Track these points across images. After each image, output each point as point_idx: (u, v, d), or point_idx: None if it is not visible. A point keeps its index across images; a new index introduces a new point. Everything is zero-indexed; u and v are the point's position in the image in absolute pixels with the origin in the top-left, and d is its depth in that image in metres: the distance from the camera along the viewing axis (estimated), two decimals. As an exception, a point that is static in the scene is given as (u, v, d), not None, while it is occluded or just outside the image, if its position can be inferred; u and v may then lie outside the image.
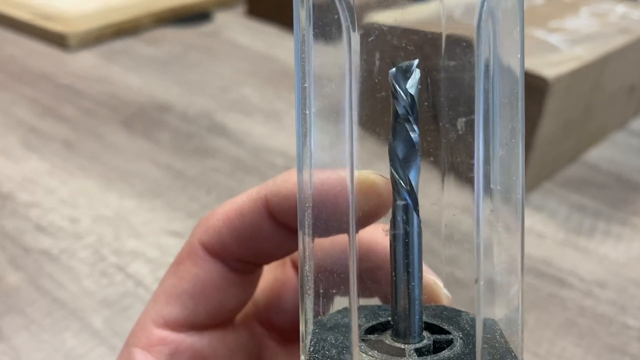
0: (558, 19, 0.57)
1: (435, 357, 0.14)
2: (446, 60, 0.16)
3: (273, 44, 0.76)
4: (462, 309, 0.17)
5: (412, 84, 0.14)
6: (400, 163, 0.14)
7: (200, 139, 0.55)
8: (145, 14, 0.80)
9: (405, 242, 0.14)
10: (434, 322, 0.16)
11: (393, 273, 0.15)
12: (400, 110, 0.14)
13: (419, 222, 0.15)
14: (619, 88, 0.57)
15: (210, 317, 0.18)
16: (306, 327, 0.15)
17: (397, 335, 0.15)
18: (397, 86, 0.14)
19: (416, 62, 0.14)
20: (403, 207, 0.14)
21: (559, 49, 0.50)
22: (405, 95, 0.14)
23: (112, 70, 0.68)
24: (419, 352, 0.15)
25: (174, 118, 0.58)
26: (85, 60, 0.70)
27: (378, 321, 0.16)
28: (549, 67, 0.45)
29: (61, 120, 0.57)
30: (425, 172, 0.15)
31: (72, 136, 0.54)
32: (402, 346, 0.15)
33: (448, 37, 0.16)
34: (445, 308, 0.17)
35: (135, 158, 0.52)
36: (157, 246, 0.42)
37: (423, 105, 0.16)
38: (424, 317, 0.16)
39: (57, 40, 0.73)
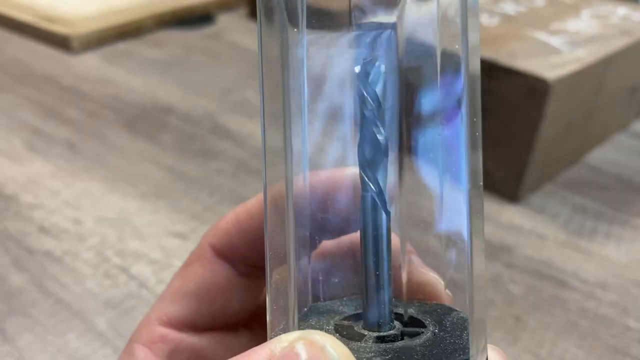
0: (559, 21, 0.57)
1: (388, 345, 0.14)
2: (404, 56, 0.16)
3: (275, 45, 0.76)
4: (459, 309, 0.17)
5: (378, 87, 0.15)
6: (368, 164, 0.15)
7: (203, 141, 0.55)
8: (147, 16, 0.80)
9: (374, 237, 0.15)
10: (420, 317, 0.16)
11: (363, 267, 0.15)
12: (368, 114, 0.15)
13: (388, 219, 0.15)
14: (621, 90, 0.57)
15: (213, 319, 0.19)
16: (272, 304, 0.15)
17: (367, 324, 0.15)
18: (362, 89, 0.15)
19: (381, 65, 0.15)
20: (372, 205, 0.15)
21: (560, 51, 0.50)
22: (372, 99, 0.15)
23: (115, 72, 0.68)
24: (381, 339, 0.15)
25: (176, 120, 0.59)
26: (89, 62, 0.70)
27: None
28: (550, 69, 0.46)
29: (64, 122, 0.57)
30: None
31: (75, 138, 0.54)
32: (365, 332, 0.15)
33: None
34: (440, 306, 0.17)
35: (138, 160, 0.52)
36: (160, 248, 0.42)
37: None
38: (414, 312, 0.16)
39: (61, 42, 0.73)
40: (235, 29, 0.82)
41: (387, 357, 0.14)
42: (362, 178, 0.15)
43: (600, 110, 0.55)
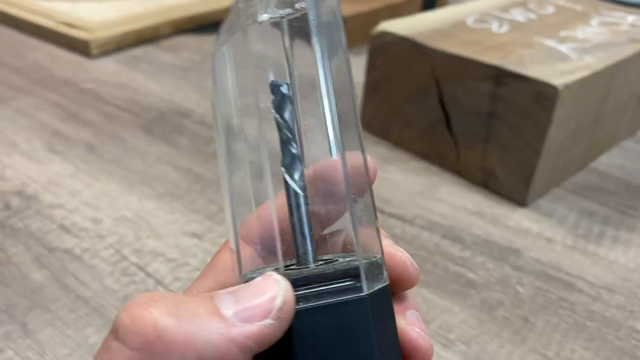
0: (569, 28, 0.58)
1: (327, 265, 0.19)
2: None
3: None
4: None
5: (288, 113, 0.20)
6: (288, 169, 0.20)
7: (218, 144, 0.57)
8: (164, 22, 0.82)
9: (297, 207, 0.20)
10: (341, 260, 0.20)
11: (292, 226, 0.20)
12: (284, 137, 0.20)
13: (306, 201, 0.20)
14: (629, 96, 0.58)
15: None
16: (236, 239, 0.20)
17: (299, 264, 0.20)
18: (278, 119, 0.20)
19: (286, 87, 0.20)
20: (294, 195, 0.20)
21: (570, 58, 0.51)
22: (285, 125, 0.20)
23: (132, 77, 0.69)
24: (294, 270, 0.19)
25: (192, 123, 0.60)
26: (107, 67, 0.72)
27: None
28: (559, 76, 0.46)
29: (84, 125, 0.58)
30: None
31: (94, 140, 0.56)
32: (305, 266, 0.20)
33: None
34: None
35: (156, 161, 0.53)
36: (176, 247, 0.43)
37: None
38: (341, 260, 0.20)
39: (80, 47, 0.75)
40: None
41: (299, 272, 0.19)
42: (284, 180, 0.20)
43: (608, 116, 0.55)
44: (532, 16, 0.61)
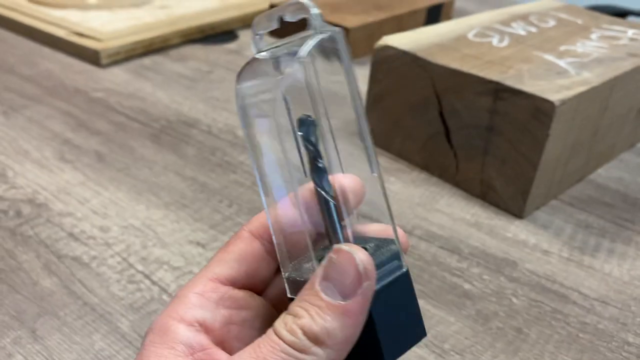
0: (569, 43, 0.59)
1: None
2: None
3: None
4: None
5: (314, 137, 0.24)
6: (318, 181, 0.24)
7: (224, 153, 0.58)
8: (173, 32, 0.84)
9: (328, 209, 0.24)
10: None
11: (325, 230, 0.24)
12: (312, 153, 0.24)
13: (337, 207, 0.24)
14: (628, 110, 0.58)
15: (247, 279, 0.25)
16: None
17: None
18: (306, 143, 0.24)
19: (312, 118, 0.24)
20: (325, 203, 0.24)
21: (568, 73, 0.52)
22: (311, 145, 0.24)
23: (141, 86, 0.71)
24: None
25: (199, 133, 0.62)
26: (117, 76, 0.73)
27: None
28: (556, 91, 0.47)
29: (94, 134, 0.60)
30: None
31: (103, 149, 0.57)
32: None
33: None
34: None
35: (163, 171, 0.55)
36: (181, 255, 0.44)
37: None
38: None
39: (91, 56, 0.77)
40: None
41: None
42: (317, 192, 0.24)
43: (607, 129, 0.56)
44: (533, 30, 0.62)
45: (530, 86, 0.48)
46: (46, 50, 0.80)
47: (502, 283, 0.45)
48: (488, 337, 0.40)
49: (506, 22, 0.64)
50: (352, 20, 0.81)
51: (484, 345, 0.39)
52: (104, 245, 0.45)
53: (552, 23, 0.64)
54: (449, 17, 0.94)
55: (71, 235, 0.46)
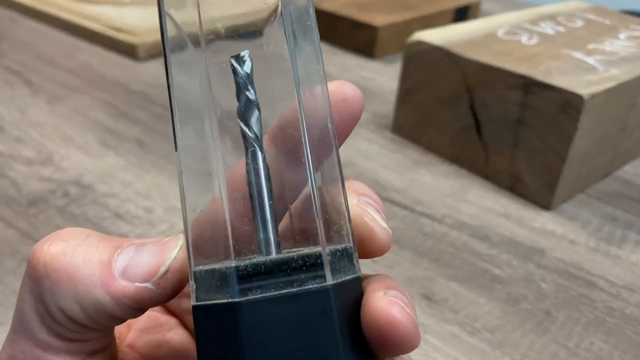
0: (597, 42, 0.60)
1: (289, 253, 0.17)
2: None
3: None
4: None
5: (247, 67, 0.19)
6: (245, 117, 0.19)
7: (258, 144, 0.60)
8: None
9: (256, 175, 0.18)
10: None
11: (251, 204, 0.18)
12: (240, 80, 0.19)
13: (264, 158, 0.18)
14: (655, 108, 0.60)
15: None
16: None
17: (259, 252, 0.18)
18: (237, 67, 0.19)
19: (248, 52, 0.20)
20: (252, 152, 0.19)
21: (597, 69, 0.53)
22: (244, 73, 0.19)
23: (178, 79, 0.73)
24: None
25: (234, 125, 0.64)
26: (153, 70, 0.76)
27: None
28: (585, 86, 0.49)
29: (134, 123, 0.62)
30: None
31: (144, 137, 0.60)
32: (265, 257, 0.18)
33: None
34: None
35: (201, 158, 0.57)
36: (222, 235, 0.47)
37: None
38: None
39: (128, 50, 0.79)
40: (279, 42, 0.87)
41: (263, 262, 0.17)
42: (242, 134, 0.19)
43: (634, 126, 0.58)
44: (561, 29, 0.64)
45: (559, 81, 0.50)
46: (84, 44, 0.83)
47: (531, 269, 0.46)
48: (518, 318, 0.41)
49: (534, 22, 0.65)
50: (381, 20, 0.83)
51: (514, 325, 0.41)
52: (148, 224, 0.47)
53: (580, 23, 0.66)
54: (475, 19, 0.95)
55: (117, 214, 0.48)
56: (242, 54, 0.20)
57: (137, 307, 0.18)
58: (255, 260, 0.17)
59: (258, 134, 0.19)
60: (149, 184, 0.52)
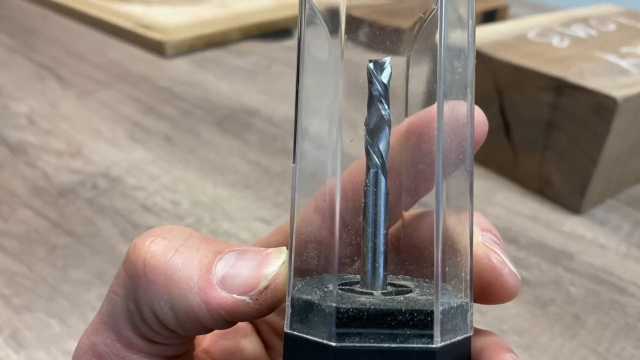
0: (630, 45, 0.59)
1: (398, 296, 0.16)
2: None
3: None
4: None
5: (385, 75, 0.17)
6: (373, 134, 0.17)
7: (284, 141, 0.60)
8: (233, 27, 0.87)
9: (374, 199, 0.17)
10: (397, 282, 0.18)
11: (364, 228, 0.17)
12: (375, 93, 0.17)
13: (386, 184, 0.17)
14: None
15: None
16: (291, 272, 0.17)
17: (364, 284, 0.17)
18: (373, 75, 0.17)
19: (389, 59, 0.17)
20: (374, 172, 0.17)
21: (630, 73, 0.52)
22: (380, 83, 0.17)
23: (204, 77, 0.74)
24: (384, 295, 0.17)
25: (260, 121, 0.64)
26: (181, 67, 0.77)
27: (352, 280, 0.18)
28: (619, 89, 0.48)
29: (162, 118, 0.63)
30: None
31: (171, 132, 0.60)
32: (370, 291, 0.17)
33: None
34: (407, 277, 0.19)
35: (228, 154, 0.57)
36: (248, 229, 0.47)
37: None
38: (410, 283, 0.18)
39: (156, 47, 0.80)
40: (312, 42, 0.87)
41: (370, 303, 0.16)
42: (367, 151, 0.17)
43: (667, 131, 0.57)
44: (593, 32, 0.63)
45: (592, 83, 0.49)
46: (113, 41, 0.83)
47: (560, 272, 0.45)
48: (546, 321, 0.41)
49: (566, 24, 0.65)
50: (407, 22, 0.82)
51: (542, 328, 0.40)
52: (175, 217, 0.48)
53: (612, 27, 0.65)
54: (504, 20, 0.94)
55: (144, 207, 0.49)
56: (382, 60, 0.17)
57: (230, 319, 0.17)
58: (359, 303, 0.16)
59: (384, 155, 0.17)
60: (176, 177, 0.53)
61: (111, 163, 0.54)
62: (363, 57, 0.18)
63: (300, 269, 0.17)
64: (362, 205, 0.17)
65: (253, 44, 0.87)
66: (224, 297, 0.17)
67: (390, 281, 0.18)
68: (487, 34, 0.60)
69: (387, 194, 0.17)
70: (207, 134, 0.61)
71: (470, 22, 0.17)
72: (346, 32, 0.17)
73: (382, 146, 0.17)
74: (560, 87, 0.50)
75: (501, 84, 0.54)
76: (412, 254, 0.18)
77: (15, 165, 0.53)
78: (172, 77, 0.73)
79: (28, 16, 0.90)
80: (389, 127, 0.17)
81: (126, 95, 0.68)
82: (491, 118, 0.55)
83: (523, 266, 0.46)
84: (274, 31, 0.91)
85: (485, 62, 0.55)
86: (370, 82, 0.17)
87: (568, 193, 0.52)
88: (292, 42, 0.88)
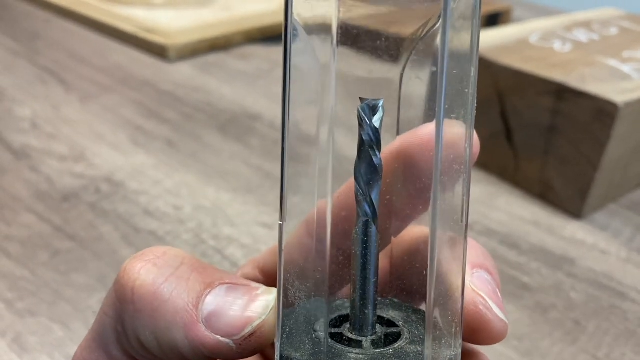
0: (632, 49, 0.59)
1: (388, 348, 0.17)
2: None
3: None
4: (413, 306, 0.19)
5: (377, 119, 0.17)
6: (364, 182, 0.17)
7: (286, 146, 0.60)
8: (236, 31, 0.87)
9: (363, 248, 0.17)
10: (385, 315, 0.18)
11: (353, 275, 0.17)
12: (366, 138, 0.16)
13: (377, 233, 0.17)
14: (690, 118, 0.59)
15: None
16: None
17: (354, 329, 0.17)
18: (364, 119, 0.17)
19: (382, 101, 0.17)
20: (364, 221, 0.17)
21: (631, 78, 0.52)
22: (371, 128, 0.16)
23: (207, 81, 0.74)
24: (374, 343, 0.17)
25: (262, 126, 0.64)
26: (183, 71, 0.77)
27: (340, 313, 0.18)
28: (620, 94, 0.48)
29: (164, 122, 0.63)
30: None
31: (173, 136, 0.61)
32: (360, 338, 0.17)
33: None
34: (396, 302, 0.19)
35: (230, 158, 0.57)
36: (250, 234, 0.47)
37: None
38: (394, 315, 0.18)
39: (158, 51, 0.80)
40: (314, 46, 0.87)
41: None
42: (357, 199, 0.17)
43: (669, 136, 0.57)
44: (595, 37, 0.63)
45: (593, 88, 0.49)
46: (115, 45, 0.84)
47: (560, 278, 0.46)
48: (546, 327, 0.41)
49: (568, 29, 0.65)
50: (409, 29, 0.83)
51: (543, 333, 0.40)
52: (177, 221, 0.48)
53: (614, 31, 0.65)
54: (506, 25, 0.94)
55: (146, 211, 0.49)
56: (374, 102, 0.17)
57: (212, 357, 0.17)
58: (348, 355, 0.16)
59: (375, 204, 0.16)
60: (178, 182, 0.53)
61: (114, 167, 0.55)
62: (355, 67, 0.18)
63: (289, 304, 0.17)
64: (352, 252, 0.17)
65: (256, 48, 0.87)
66: (207, 336, 0.17)
67: (379, 309, 0.18)
68: (488, 38, 0.60)
69: (377, 242, 0.17)
70: (209, 138, 0.61)
71: (475, 37, 0.16)
72: (339, 43, 0.17)
73: (373, 196, 0.17)
74: (562, 92, 0.50)
75: (502, 89, 0.54)
76: (402, 280, 0.19)
77: (18, 170, 0.53)
78: (175, 81, 0.74)
79: (31, 20, 0.90)
80: (380, 174, 0.17)
81: (128, 99, 0.68)
82: (492, 123, 0.56)
83: (524, 271, 0.46)
84: (276, 35, 0.92)
85: (486, 67, 0.55)
86: (361, 125, 0.17)
87: (569, 198, 0.52)
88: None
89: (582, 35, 0.63)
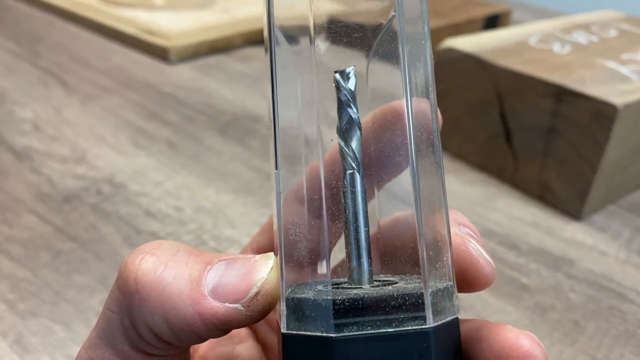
0: (630, 51, 0.59)
1: (388, 287, 0.17)
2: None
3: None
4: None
5: (351, 83, 0.18)
6: (345, 137, 0.18)
7: (286, 147, 0.61)
8: (236, 33, 0.87)
9: (352, 199, 0.18)
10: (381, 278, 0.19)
11: (345, 228, 0.18)
12: (343, 98, 0.18)
13: (363, 182, 0.18)
14: (689, 120, 0.59)
15: None
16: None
17: (353, 281, 0.18)
18: (340, 83, 0.18)
19: (353, 69, 0.19)
20: (350, 173, 0.18)
21: (630, 80, 0.53)
22: (347, 90, 0.18)
23: (207, 83, 0.74)
24: (373, 288, 0.18)
25: (263, 127, 0.64)
26: (184, 73, 0.77)
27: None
28: (619, 95, 0.49)
29: (165, 124, 0.63)
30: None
31: (174, 138, 0.61)
32: (359, 287, 0.18)
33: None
34: (388, 276, 0.20)
35: (230, 160, 0.58)
36: (250, 236, 0.47)
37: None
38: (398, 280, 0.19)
39: (159, 53, 0.80)
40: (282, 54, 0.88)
41: (362, 294, 0.17)
42: (341, 154, 0.18)
43: (667, 138, 0.57)
44: (594, 39, 0.63)
45: (592, 90, 0.49)
46: (117, 47, 0.84)
47: (560, 279, 0.46)
48: (546, 327, 0.41)
49: (567, 31, 0.65)
50: (410, 28, 0.83)
51: (542, 334, 0.40)
52: (178, 223, 0.48)
53: (613, 33, 0.65)
54: (505, 27, 0.95)
55: (148, 213, 0.49)
56: (347, 70, 0.19)
57: (224, 327, 0.17)
58: (353, 294, 0.16)
59: (358, 156, 0.18)
60: (179, 184, 0.53)
61: (115, 169, 0.55)
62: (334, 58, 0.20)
63: (291, 268, 0.18)
64: (342, 205, 0.18)
65: (256, 50, 0.87)
66: (216, 306, 0.17)
67: (375, 279, 0.18)
68: (487, 40, 0.60)
69: (364, 192, 0.18)
70: (210, 140, 0.61)
71: (426, 27, 0.19)
72: (314, 39, 0.19)
73: (355, 147, 0.18)
74: (561, 94, 0.51)
75: (502, 91, 0.55)
76: (391, 253, 0.19)
77: (20, 171, 0.54)
78: (175, 82, 0.74)
79: (32, 22, 0.90)
80: (360, 129, 0.18)
81: (130, 101, 0.68)
82: (492, 124, 0.56)
83: (523, 272, 0.46)
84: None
85: (485, 69, 0.55)
86: (338, 89, 0.18)
87: (568, 199, 0.53)
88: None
89: (581, 38, 0.63)
